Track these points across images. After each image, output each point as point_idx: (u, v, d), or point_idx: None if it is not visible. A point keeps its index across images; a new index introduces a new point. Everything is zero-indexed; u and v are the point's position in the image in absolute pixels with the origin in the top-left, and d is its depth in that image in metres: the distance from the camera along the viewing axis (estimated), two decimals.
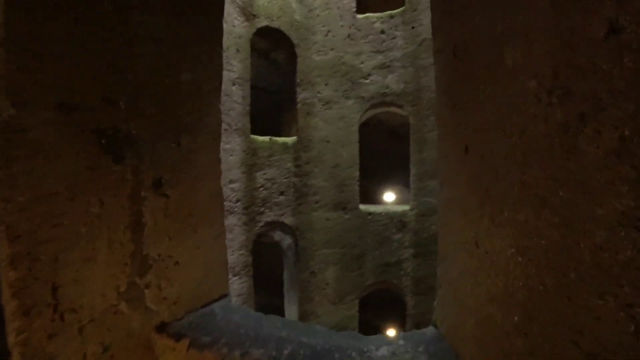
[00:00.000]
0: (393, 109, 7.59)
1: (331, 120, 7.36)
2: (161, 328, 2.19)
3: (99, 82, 1.73)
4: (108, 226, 1.81)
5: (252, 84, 6.74)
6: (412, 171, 6.98)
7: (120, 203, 1.89)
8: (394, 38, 7.26)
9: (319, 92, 7.31)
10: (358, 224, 7.17)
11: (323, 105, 7.33)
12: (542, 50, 1.03)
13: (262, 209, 6.49)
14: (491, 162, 1.36)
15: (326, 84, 7.35)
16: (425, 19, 6.90)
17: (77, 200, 1.67)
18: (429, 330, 1.90)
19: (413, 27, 7.06)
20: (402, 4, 7.25)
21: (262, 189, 6.56)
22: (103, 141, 1.78)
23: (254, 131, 6.65)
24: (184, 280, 2.45)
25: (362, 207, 7.27)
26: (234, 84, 6.11)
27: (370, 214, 7.18)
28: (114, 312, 1.92)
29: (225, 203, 4.34)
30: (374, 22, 7.37)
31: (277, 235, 7.08)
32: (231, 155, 6.01)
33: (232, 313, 2.61)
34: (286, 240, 7.12)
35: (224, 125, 5.74)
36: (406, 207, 7.03)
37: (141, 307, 2.09)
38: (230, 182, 5.96)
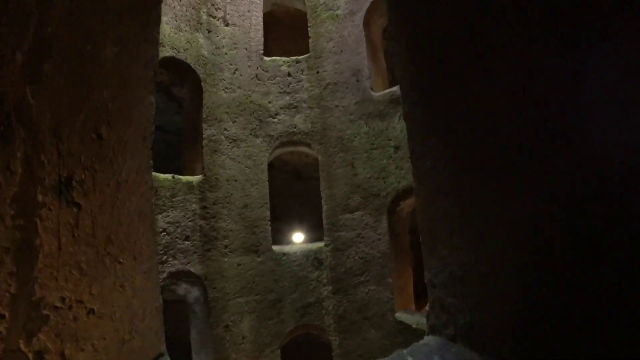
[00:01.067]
0: (301, 148, 7.70)
1: (239, 159, 7.03)
2: None
3: None
4: None
5: None
6: (324, 207, 7.03)
7: None
8: (300, 81, 7.57)
9: (225, 129, 6.98)
10: (272, 267, 6.72)
11: (230, 142, 6.99)
12: None
13: (164, 257, 5.54)
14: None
15: (234, 122, 7.09)
16: (329, 65, 7.45)
17: None
18: (429, 339, 1.72)
19: (318, 72, 7.52)
20: (306, 51, 7.72)
21: (164, 233, 5.65)
22: None
23: (156, 169, 5.82)
24: (102, 338, 1.76)
25: (275, 248, 6.90)
26: None
27: (284, 254, 6.84)
28: None
29: None
30: (280, 65, 7.61)
31: (182, 289, 6.08)
32: None
33: None
34: (193, 293, 6.16)
35: None
36: (321, 244, 6.93)
37: None
38: None
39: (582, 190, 1.06)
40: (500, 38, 1.41)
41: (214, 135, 6.80)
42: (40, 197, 1.39)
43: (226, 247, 6.48)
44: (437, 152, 1.85)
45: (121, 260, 1.82)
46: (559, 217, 1.16)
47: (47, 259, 1.41)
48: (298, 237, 8.38)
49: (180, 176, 6.18)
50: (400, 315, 6.12)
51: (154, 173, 5.57)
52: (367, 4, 7.02)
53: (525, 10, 1.22)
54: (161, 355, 2.04)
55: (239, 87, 7.23)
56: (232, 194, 6.76)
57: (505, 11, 1.33)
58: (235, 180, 6.88)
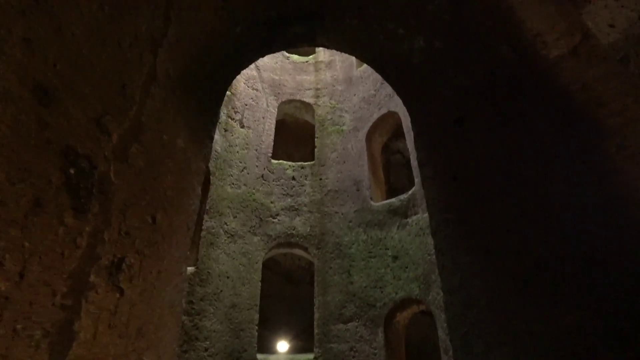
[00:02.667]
0: (297, 251, 7.64)
1: (234, 255, 6.90)
2: None
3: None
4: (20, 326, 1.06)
5: None
6: (316, 314, 6.65)
7: (52, 282, 1.15)
8: (303, 185, 7.95)
9: (226, 224, 7.01)
10: None
11: (228, 237, 6.94)
12: None
13: None
14: None
15: (235, 217, 7.17)
16: (331, 173, 7.94)
17: None
18: None
19: (321, 179, 7.95)
20: (307, 158, 8.29)
21: None
22: (71, 171, 1.23)
23: None
24: None
25: (260, 357, 6.27)
26: None
27: None
28: None
29: None
30: (286, 169, 8.07)
31: None
32: None
33: None
34: None
35: None
36: (310, 356, 6.34)
37: None
38: None
39: (611, 303, 1.14)
40: (526, 175, 1.65)
41: (213, 228, 6.78)
42: (92, 278, 1.34)
43: (206, 349, 5.87)
44: (470, 267, 1.93)
45: (144, 358, 1.67)
46: (596, 325, 1.20)
47: (80, 348, 1.29)
48: (282, 345, 7.69)
49: None
50: None
51: None
52: (369, 123, 7.86)
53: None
54: None
55: (244, 185, 7.51)
56: (221, 291, 6.43)
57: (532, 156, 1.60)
58: (228, 277, 6.62)
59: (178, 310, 1.93)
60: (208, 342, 5.93)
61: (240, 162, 7.64)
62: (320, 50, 9.48)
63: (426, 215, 6.19)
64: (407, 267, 6.21)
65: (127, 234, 1.52)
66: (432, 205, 2.52)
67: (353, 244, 7.05)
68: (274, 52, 3.12)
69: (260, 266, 7.04)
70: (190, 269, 6.25)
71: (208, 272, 6.41)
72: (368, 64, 3.01)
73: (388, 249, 6.66)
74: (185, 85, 1.92)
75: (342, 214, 7.43)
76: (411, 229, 6.40)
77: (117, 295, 1.50)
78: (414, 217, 6.43)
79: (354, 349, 6.15)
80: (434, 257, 5.82)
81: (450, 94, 2.16)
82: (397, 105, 7.36)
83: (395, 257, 6.52)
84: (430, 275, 5.81)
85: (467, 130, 2.22)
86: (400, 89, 2.81)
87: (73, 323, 1.29)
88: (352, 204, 7.43)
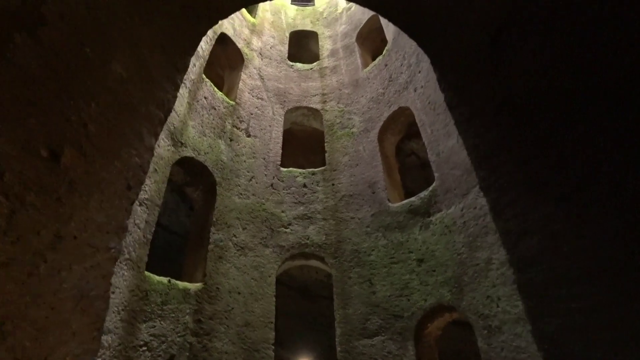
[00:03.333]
0: (313, 262, 7.09)
1: (245, 269, 6.39)
2: None
3: None
4: None
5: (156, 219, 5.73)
6: (338, 330, 5.99)
7: None
8: (315, 192, 7.50)
9: (234, 236, 6.56)
10: None
11: (238, 250, 6.47)
12: None
13: None
14: None
15: (244, 228, 6.72)
16: (344, 178, 7.49)
17: None
18: None
19: (333, 184, 7.50)
20: (322, 167, 7.88)
21: (144, 348, 4.64)
22: None
23: (149, 268, 5.21)
24: None
25: None
26: (140, 204, 5.06)
27: None
28: None
29: None
30: (296, 176, 7.66)
31: None
32: (112, 292, 4.35)
33: None
34: None
35: None
36: None
37: None
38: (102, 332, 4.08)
39: None
40: None
41: (221, 241, 6.33)
42: None
43: None
44: (549, 221, 1.46)
45: None
46: None
47: None
48: None
49: (177, 281, 5.46)
50: None
51: (147, 273, 4.97)
52: (380, 123, 7.46)
53: None
54: None
55: (253, 194, 7.12)
56: (232, 309, 5.88)
57: None
58: (239, 293, 6.09)
59: (98, 308, 1.41)
60: None
61: (248, 172, 7.29)
62: (324, 57, 9.31)
63: (451, 210, 5.63)
64: (434, 271, 5.58)
65: None
66: (475, 153, 2.04)
67: (372, 250, 6.47)
68: None
69: (274, 280, 6.50)
70: (197, 285, 5.76)
71: (217, 288, 5.91)
72: (373, 9, 2.65)
73: (412, 253, 6.05)
74: None
75: (358, 219, 6.91)
76: (435, 228, 5.82)
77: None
78: (438, 215, 5.86)
79: None
80: (464, 256, 5.21)
81: (480, 4, 1.76)
82: (408, 100, 6.98)
83: (420, 261, 5.90)
84: (462, 277, 5.17)
85: (508, 47, 1.77)
86: (413, 27, 2.41)
87: None
88: (368, 208, 6.91)
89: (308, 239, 6.96)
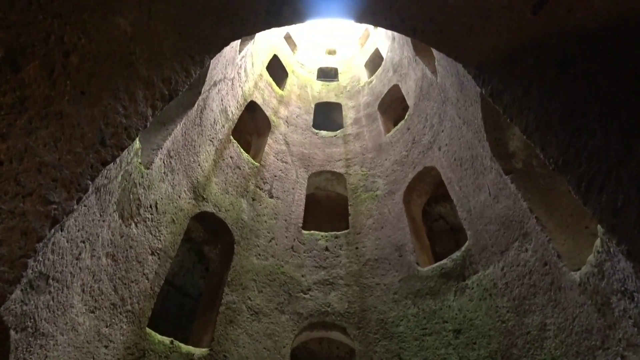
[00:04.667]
0: (334, 334, 6.30)
1: (258, 336, 5.74)
2: None
3: None
4: None
5: (168, 279, 5.45)
6: None
7: None
8: (337, 256, 7.04)
9: (249, 299, 6.06)
10: None
11: (251, 315, 5.90)
12: None
13: None
14: None
15: (260, 291, 6.23)
16: (369, 241, 7.04)
17: None
18: None
19: (357, 248, 7.04)
20: (346, 228, 7.54)
21: None
22: None
23: (153, 327, 4.76)
24: None
25: None
26: (152, 254, 4.84)
27: None
28: None
29: None
30: (318, 239, 7.31)
31: None
32: (105, 346, 3.90)
33: None
34: None
35: (112, 299, 4.07)
36: None
37: None
38: None
39: None
40: None
41: (234, 303, 5.84)
42: None
43: None
44: None
45: None
46: None
47: None
48: None
49: (180, 344, 4.91)
50: None
51: (149, 330, 4.51)
52: (405, 185, 7.23)
53: None
54: None
55: (272, 256, 6.76)
56: None
57: None
58: None
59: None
60: None
61: (268, 233, 7.04)
62: (348, 125, 9.61)
63: (490, 271, 5.00)
64: (475, 343, 4.75)
65: None
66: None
67: (401, 320, 5.70)
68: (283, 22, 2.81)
69: (289, 351, 5.74)
70: (202, 350, 5.16)
71: (224, 355, 5.26)
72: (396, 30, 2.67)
73: (447, 322, 5.26)
74: None
75: (384, 284, 6.27)
76: (473, 293, 5.13)
77: None
78: (474, 277, 5.22)
79: None
80: (511, 323, 4.43)
81: None
82: (433, 159, 6.82)
83: (457, 332, 5.07)
84: (510, 350, 4.34)
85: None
86: (442, 39, 2.35)
87: None
88: (395, 273, 6.31)
89: (329, 306, 6.31)
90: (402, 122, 8.20)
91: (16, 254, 1.10)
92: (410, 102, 8.25)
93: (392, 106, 9.45)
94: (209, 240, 6.50)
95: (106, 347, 3.93)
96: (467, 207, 5.68)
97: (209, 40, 2.14)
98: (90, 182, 1.37)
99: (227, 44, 2.31)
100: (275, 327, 5.94)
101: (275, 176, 7.93)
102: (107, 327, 3.95)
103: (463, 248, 5.57)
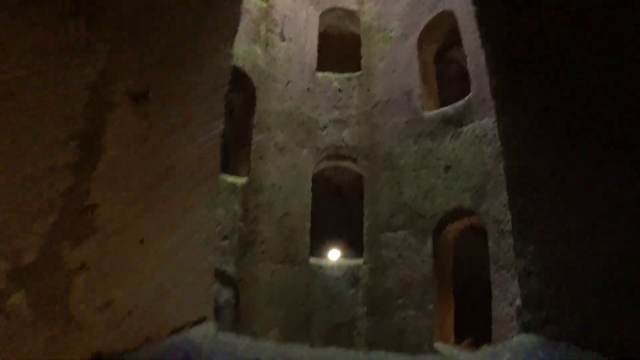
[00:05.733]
0: (346, 163, 7.62)
1: (284, 168, 7.06)
2: None
3: None
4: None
5: None
6: (366, 223, 6.82)
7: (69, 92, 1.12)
8: (350, 97, 7.62)
9: (274, 137, 7.07)
10: (307, 280, 6.51)
11: (277, 150, 7.05)
12: None
13: None
14: None
15: (282, 131, 7.18)
16: (380, 84, 7.46)
17: None
18: (523, 338, 1.49)
19: (369, 90, 7.54)
20: (358, 68, 7.80)
21: None
22: None
23: None
24: (144, 279, 1.57)
25: (312, 260, 6.71)
26: None
27: (320, 267, 6.64)
28: None
29: None
30: (332, 81, 7.72)
31: (214, 289, 5.99)
32: None
33: (226, 348, 1.81)
34: (224, 295, 6.06)
35: None
36: (359, 261, 6.67)
37: (57, 315, 1.21)
38: None
39: None
40: None
41: (262, 142, 6.90)
42: (113, 97, 1.25)
43: (263, 252, 6.38)
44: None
45: (178, 195, 1.73)
46: None
47: (107, 165, 1.26)
48: (334, 254, 8.14)
49: (226, 175, 6.25)
50: (439, 346, 5.65)
51: None
52: (420, 28, 7.03)
53: None
54: (203, 319, 1.90)
55: (290, 99, 7.37)
56: (274, 201, 6.74)
57: None
58: (279, 188, 6.87)
59: (217, 145, 1.97)
60: (264, 246, 6.42)
61: (284, 76, 7.41)
62: None
63: (484, 122, 5.70)
64: (459, 177, 5.95)
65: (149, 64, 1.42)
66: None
67: (403, 155, 6.83)
68: None
69: (310, 177, 7.17)
70: (242, 179, 6.56)
71: (260, 183, 6.69)
72: None
73: (440, 160, 6.37)
74: None
75: (391, 124, 7.11)
76: (466, 138, 5.99)
77: (144, 123, 1.45)
78: (470, 126, 5.97)
79: (402, 256, 6.31)
80: (490, 166, 5.48)
81: None
82: (453, 3, 6.41)
83: (447, 168, 6.24)
84: (485, 185, 5.54)
85: None
86: None
87: (100, 137, 1.26)
88: (402, 115, 7.04)
89: (343, 141, 7.37)
90: None
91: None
92: None
93: None
94: (230, 89, 6.99)
95: None
96: (477, 61, 5.85)
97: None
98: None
99: None
100: (297, 159, 7.19)
101: (285, 16, 7.58)
102: None
103: (466, 98, 6.10)
